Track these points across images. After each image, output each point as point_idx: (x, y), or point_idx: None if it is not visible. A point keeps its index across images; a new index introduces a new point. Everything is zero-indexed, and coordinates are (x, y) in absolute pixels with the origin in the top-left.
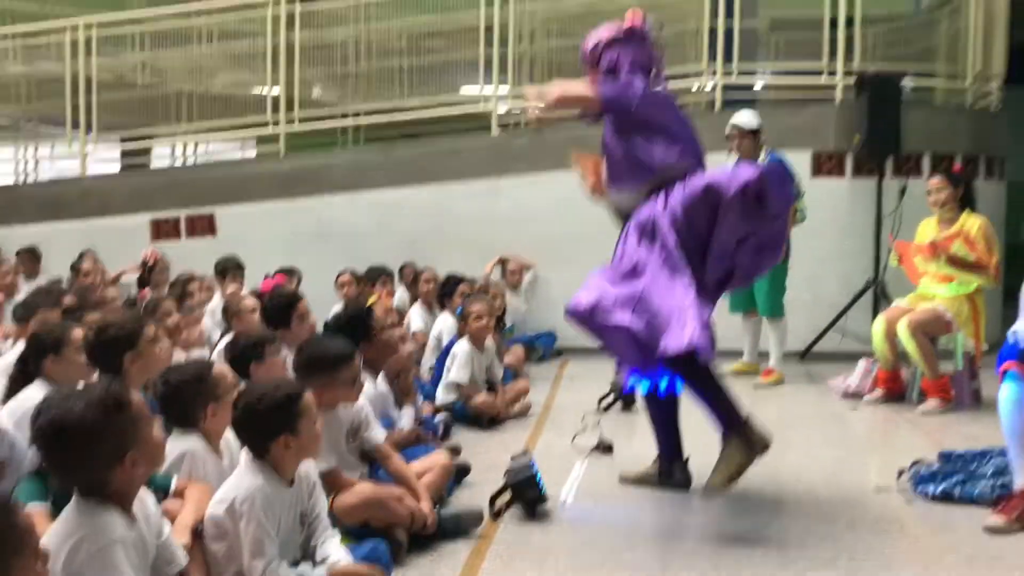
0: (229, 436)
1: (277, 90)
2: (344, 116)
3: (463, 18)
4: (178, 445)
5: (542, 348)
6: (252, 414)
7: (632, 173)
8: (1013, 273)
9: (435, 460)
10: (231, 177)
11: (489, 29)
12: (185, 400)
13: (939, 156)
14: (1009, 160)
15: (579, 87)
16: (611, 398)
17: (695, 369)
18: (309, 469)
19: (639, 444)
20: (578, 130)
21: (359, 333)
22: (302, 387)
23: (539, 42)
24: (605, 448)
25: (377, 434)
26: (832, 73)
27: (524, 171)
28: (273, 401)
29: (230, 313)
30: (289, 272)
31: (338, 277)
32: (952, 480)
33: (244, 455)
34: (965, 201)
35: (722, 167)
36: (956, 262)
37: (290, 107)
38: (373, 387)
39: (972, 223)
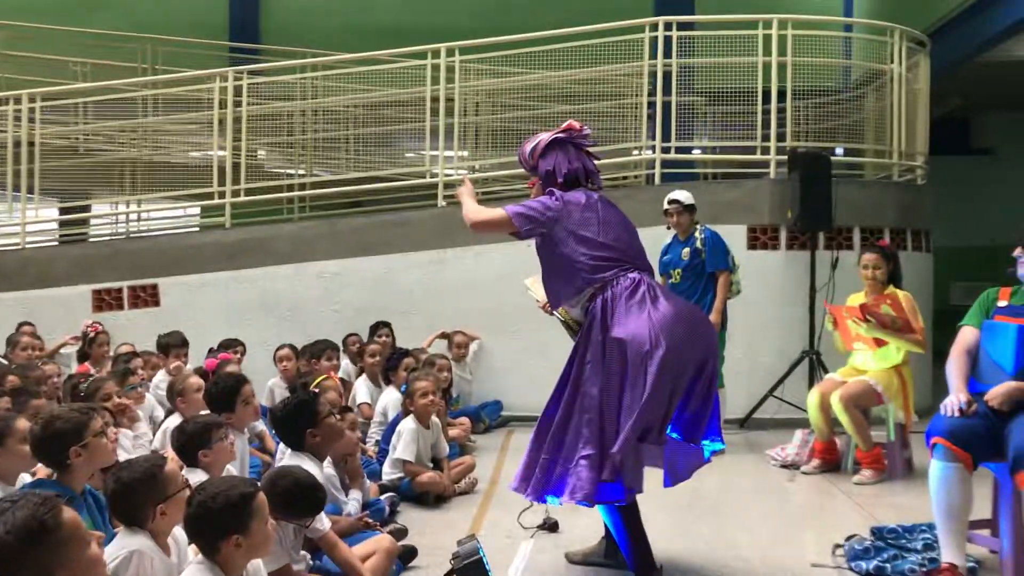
0: (177, 532)
1: (223, 160)
2: (291, 187)
3: (410, 91)
4: (126, 544)
5: (488, 418)
6: (205, 513)
7: (561, 287)
8: (943, 336)
9: (379, 543)
10: (175, 247)
11: (436, 100)
12: (136, 499)
13: (868, 229)
14: (934, 227)
15: (489, 211)
16: None
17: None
18: (258, 567)
19: (585, 519)
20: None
21: (305, 420)
22: (255, 485)
23: (485, 114)
24: (551, 526)
25: (323, 524)
26: (766, 149)
27: (469, 243)
28: (227, 500)
29: (175, 392)
30: (233, 345)
31: (277, 351)
32: (884, 556)
33: (192, 554)
34: (892, 277)
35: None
36: (886, 324)
37: (236, 177)
38: (320, 472)
39: (898, 294)
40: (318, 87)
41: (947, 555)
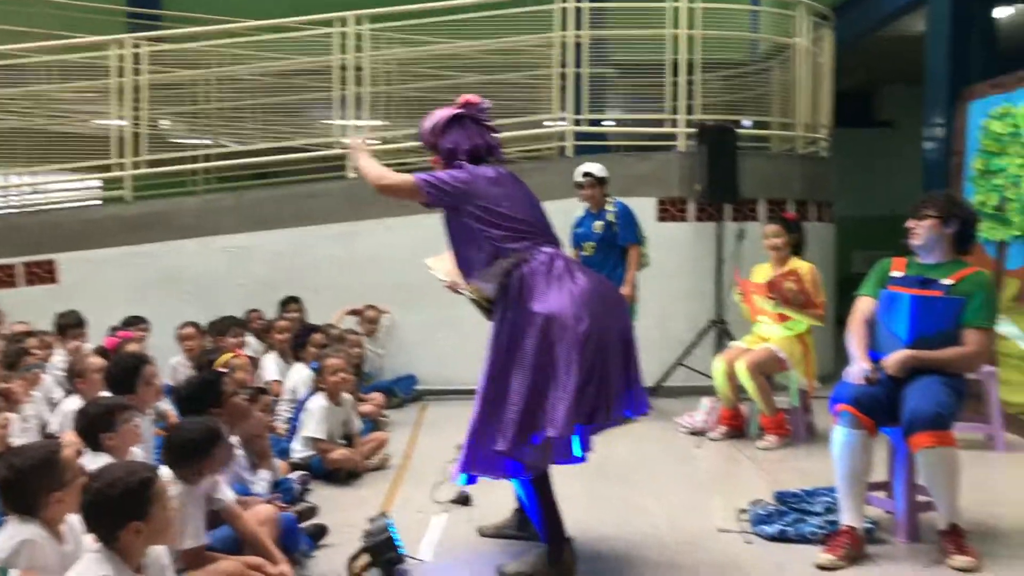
0: (72, 519)
1: (124, 130)
2: (195, 158)
3: (319, 60)
4: (17, 533)
5: (402, 393)
6: (103, 501)
7: (473, 254)
8: (845, 304)
9: (257, 515)
10: (73, 221)
11: (345, 69)
12: (29, 487)
13: (774, 201)
14: (837, 198)
15: (397, 175)
16: None
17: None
18: (159, 553)
19: (498, 492)
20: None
21: (209, 400)
22: (154, 470)
23: (396, 83)
24: (463, 500)
25: (226, 494)
26: (675, 122)
27: (380, 215)
28: (126, 487)
29: (74, 373)
30: (136, 323)
31: (180, 329)
32: (786, 520)
33: (90, 542)
34: (796, 247)
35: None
36: (789, 302)
37: (137, 148)
38: None
39: (802, 266)
40: (223, 55)
41: (846, 518)
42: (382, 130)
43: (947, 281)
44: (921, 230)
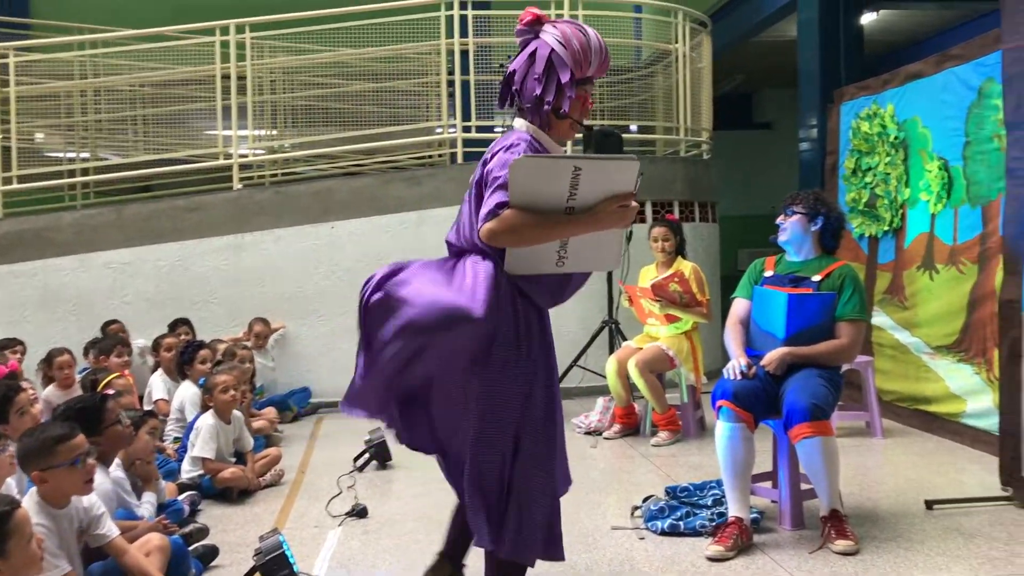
0: None
1: None
2: (72, 172)
3: (200, 69)
4: None
5: (297, 406)
6: None
7: None
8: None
9: (148, 543)
10: None
11: (227, 78)
12: None
13: (659, 203)
14: (720, 198)
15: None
16: (366, 456)
17: None
18: None
19: (393, 504)
20: (315, 184)
21: (88, 427)
22: (13, 503)
23: (281, 92)
24: (359, 512)
25: (109, 529)
26: None
27: (267, 226)
28: None
29: None
30: (11, 345)
31: (54, 356)
32: (677, 514)
33: None
34: (679, 248)
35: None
36: (675, 303)
37: (7, 163)
38: (106, 478)
39: (685, 266)
40: (99, 65)
41: (733, 509)
42: (269, 139)
43: (817, 278)
44: (789, 227)
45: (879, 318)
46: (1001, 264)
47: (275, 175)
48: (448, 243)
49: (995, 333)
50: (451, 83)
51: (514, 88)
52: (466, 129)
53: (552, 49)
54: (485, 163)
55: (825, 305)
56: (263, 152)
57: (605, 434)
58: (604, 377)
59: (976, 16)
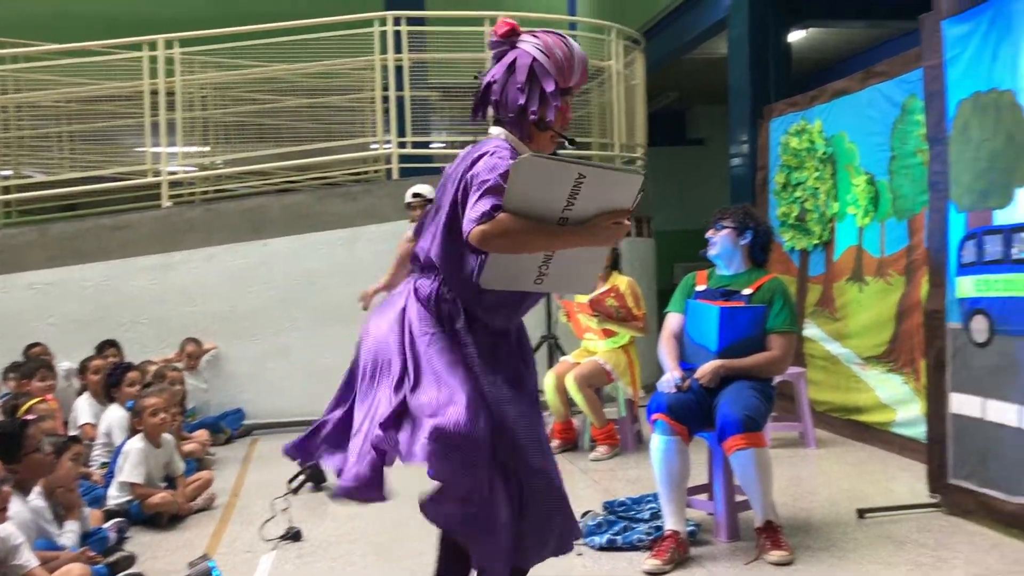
0: None
1: None
2: None
3: (127, 85)
4: None
5: (229, 428)
6: None
7: None
8: None
9: (69, 573)
10: None
11: (156, 94)
12: None
13: None
14: (656, 213)
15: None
16: (301, 478)
17: None
18: None
19: (328, 525)
20: (247, 201)
21: (6, 455)
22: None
23: (213, 108)
24: (293, 535)
25: (27, 560)
26: None
27: (197, 245)
28: None
29: None
30: None
31: None
32: (615, 529)
33: None
34: (614, 263)
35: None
36: (611, 317)
37: None
38: (24, 506)
39: (620, 281)
40: (22, 80)
41: (670, 522)
42: (200, 156)
43: (747, 291)
44: (719, 241)
45: (811, 330)
46: (926, 276)
47: (206, 192)
48: (413, 255)
49: (922, 343)
50: (386, 99)
51: (494, 99)
52: (402, 145)
53: (534, 58)
54: (464, 172)
55: (756, 318)
56: (194, 169)
57: None
58: (542, 392)
59: (900, 34)
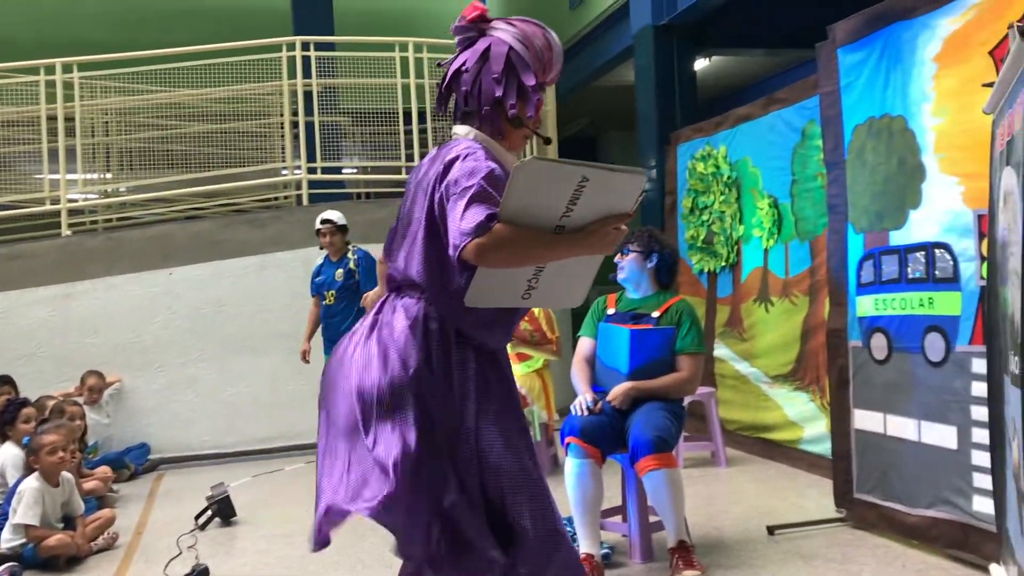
0: None
1: None
2: None
3: (24, 109)
4: None
5: (133, 464)
6: None
7: None
8: None
9: None
10: None
11: (54, 119)
12: None
13: None
14: None
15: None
16: (209, 513)
17: None
18: None
19: (238, 561)
20: (152, 229)
21: None
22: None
23: (116, 134)
24: (200, 573)
25: None
26: (411, 169)
27: (99, 274)
28: None
29: None
30: None
31: None
32: None
33: None
34: None
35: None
36: (525, 341)
37: None
38: None
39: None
40: None
41: (584, 546)
42: (102, 183)
43: (656, 313)
44: (626, 265)
45: (720, 350)
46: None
47: (109, 220)
48: (387, 278)
49: (826, 361)
50: (296, 124)
51: (464, 89)
52: (311, 170)
53: (511, 47)
54: (435, 179)
55: (665, 339)
56: (95, 196)
57: None
58: None
59: (801, 62)
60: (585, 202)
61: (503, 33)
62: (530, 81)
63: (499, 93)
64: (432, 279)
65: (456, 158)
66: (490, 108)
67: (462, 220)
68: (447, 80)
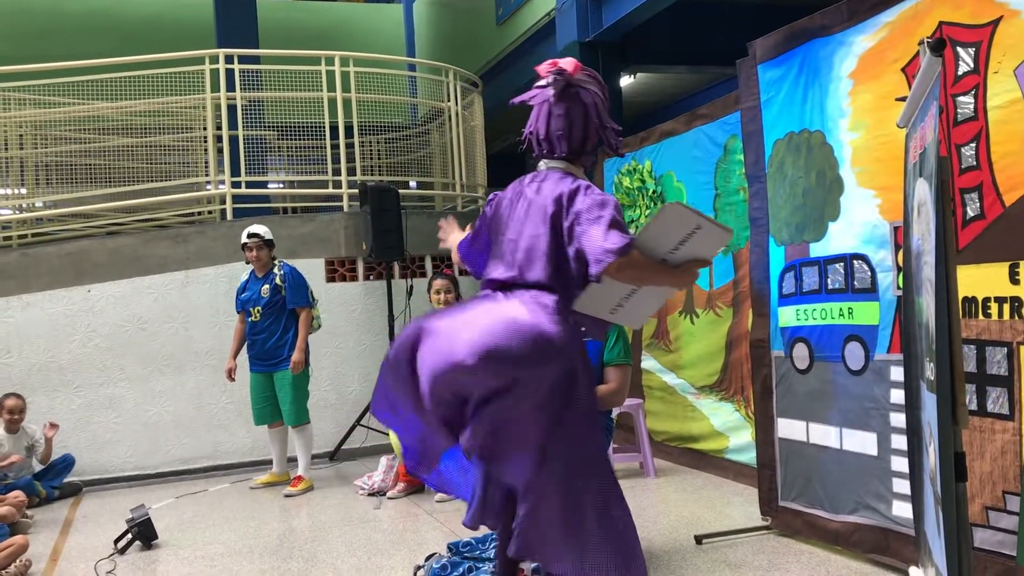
0: None
1: None
2: None
3: None
4: None
5: (49, 488)
6: None
7: None
8: None
9: None
10: None
11: None
12: None
13: (439, 257)
14: None
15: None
16: (129, 536)
17: None
18: None
19: None
20: (69, 245)
21: None
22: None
23: (32, 147)
24: None
25: None
26: (338, 184)
27: (13, 292)
28: None
29: None
30: None
31: None
32: (460, 570)
33: None
34: (457, 295)
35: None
36: None
37: None
38: None
39: None
40: None
41: None
42: (16, 198)
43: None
44: None
45: (648, 362)
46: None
47: (24, 236)
48: (491, 280)
49: (750, 371)
50: (220, 138)
51: (575, 134)
52: (236, 185)
53: (599, 96)
54: (558, 204)
55: (592, 352)
56: (10, 212)
57: (389, 494)
58: (387, 435)
59: (723, 79)
60: (691, 244)
61: (593, 86)
62: (616, 126)
63: (605, 136)
64: (555, 281)
65: (577, 189)
66: (589, 150)
67: (606, 241)
68: (560, 129)
